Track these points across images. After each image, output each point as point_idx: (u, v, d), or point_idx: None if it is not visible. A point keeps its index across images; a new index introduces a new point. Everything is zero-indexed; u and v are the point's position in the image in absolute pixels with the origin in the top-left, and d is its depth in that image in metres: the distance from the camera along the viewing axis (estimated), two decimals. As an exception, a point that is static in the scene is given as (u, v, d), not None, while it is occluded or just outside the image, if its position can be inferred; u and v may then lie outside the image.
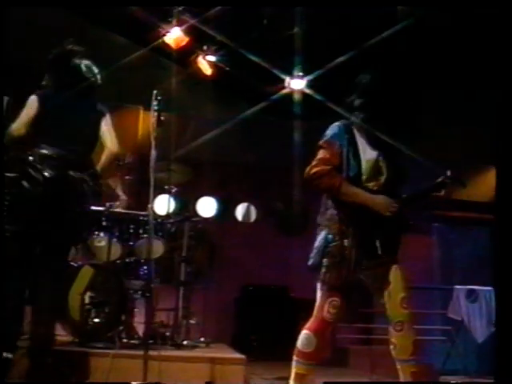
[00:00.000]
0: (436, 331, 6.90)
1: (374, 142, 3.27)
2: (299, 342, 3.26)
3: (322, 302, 3.22)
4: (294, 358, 3.28)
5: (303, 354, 3.24)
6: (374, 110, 3.26)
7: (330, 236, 3.20)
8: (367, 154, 3.25)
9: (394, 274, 3.16)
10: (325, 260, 3.19)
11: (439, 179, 3.34)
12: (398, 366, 3.12)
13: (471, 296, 6.53)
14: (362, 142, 3.27)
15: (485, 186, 7.97)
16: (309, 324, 3.27)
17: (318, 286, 3.24)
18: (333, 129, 3.31)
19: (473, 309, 6.46)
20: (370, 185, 3.23)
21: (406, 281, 3.19)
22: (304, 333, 3.25)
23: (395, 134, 3.29)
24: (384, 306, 3.15)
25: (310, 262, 3.27)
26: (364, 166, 3.23)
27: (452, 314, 6.52)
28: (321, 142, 3.28)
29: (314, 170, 3.18)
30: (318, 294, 3.25)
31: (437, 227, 8.95)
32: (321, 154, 3.24)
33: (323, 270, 3.19)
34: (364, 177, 3.22)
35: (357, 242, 3.14)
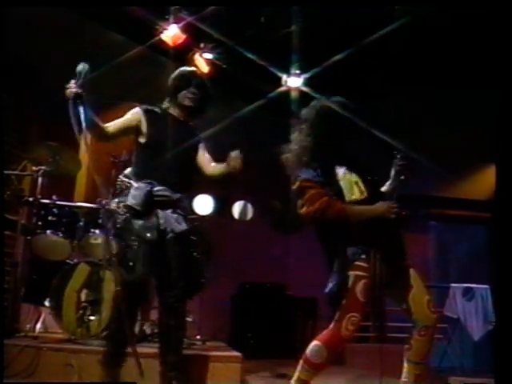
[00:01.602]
0: (432, 329, 6.89)
1: (341, 160, 3.29)
2: (308, 351, 3.16)
3: (341, 318, 3.10)
4: (301, 362, 3.19)
5: (310, 363, 3.15)
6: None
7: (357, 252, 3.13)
8: (338, 171, 3.25)
9: (414, 277, 3.14)
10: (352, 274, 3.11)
11: (397, 164, 3.30)
12: (405, 365, 3.12)
13: (467, 294, 6.53)
14: (329, 163, 3.29)
15: (481, 184, 7.98)
16: (322, 336, 3.16)
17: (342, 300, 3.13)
18: (302, 173, 3.31)
19: (469, 307, 6.46)
20: (355, 196, 3.21)
21: (424, 282, 3.19)
22: (315, 344, 3.14)
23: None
24: (409, 310, 3.10)
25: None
26: (342, 184, 3.21)
27: (448, 312, 6.52)
28: (298, 184, 3.29)
29: (314, 207, 3.13)
30: (339, 308, 3.13)
31: (433, 225, 8.96)
32: (308, 192, 3.20)
33: (350, 283, 3.10)
34: (345, 192, 3.20)
35: (381, 257, 3.07)
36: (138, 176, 3.57)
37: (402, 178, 3.30)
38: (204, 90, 3.81)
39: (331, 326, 3.16)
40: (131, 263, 3.45)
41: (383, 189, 3.37)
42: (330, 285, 3.16)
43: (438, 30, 5.91)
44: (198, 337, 5.46)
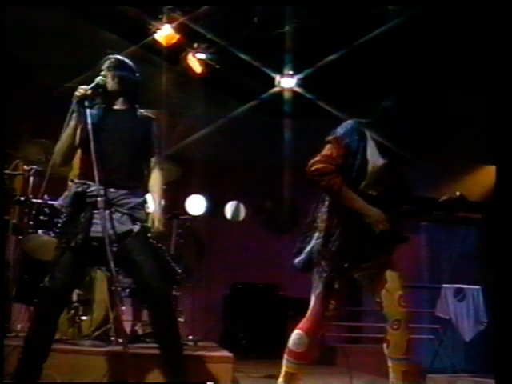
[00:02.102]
0: (424, 330, 6.93)
1: (384, 150, 3.16)
2: (291, 342, 3.23)
3: (316, 303, 3.20)
4: (285, 356, 3.26)
5: (294, 354, 3.21)
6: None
7: (321, 237, 3.14)
8: (375, 160, 3.14)
9: (391, 273, 3.13)
10: (315, 261, 3.15)
11: (445, 197, 3.28)
12: (390, 364, 3.10)
13: (459, 295, 6.56)
14: (371, 146, 3.16)
15: (474, 185, 8.01)
16: (301, 324, 3.24)
17: (313, 287, 3.21)
18: (345, 127, 3.19)
19: (460, 307, 6.49)
20: (370, 191, 3.15)
21: (403, 279, 3.17)
22: (296, 333, 3.22)
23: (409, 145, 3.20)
24: (381, 304, 3.12)
25: (298, 263, 3.24)
26: (369, 170, 3.14)
27: (440, 313, 6.55)
28: (329, 138, 3.16)
29: (317, 165, 3.08)
30: (312, 294, 3.22)
31: (425, 226, 8.98)
32: (327, 150, 3.14)
33: (315, 271, 3.16)
34: (365, 182, 3.14)
35: (346, 243, 3.08)
36: (79, 176, 3.44)
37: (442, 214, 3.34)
38: (120, 70, 3.58)
39: (308, 312, 3.22)
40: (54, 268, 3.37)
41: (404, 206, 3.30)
42: (302, 260, 3.22)
43: (433, 30, 5.91)
44: (190, 337, 5.44)
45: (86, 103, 3.37)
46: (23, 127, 6.58)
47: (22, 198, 4.88)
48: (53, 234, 4.86)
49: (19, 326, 4.72)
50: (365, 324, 7.97)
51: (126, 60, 3.64)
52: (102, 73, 3.51)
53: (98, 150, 3.29)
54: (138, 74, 3.63)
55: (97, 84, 3.43)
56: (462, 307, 6.48)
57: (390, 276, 3.13)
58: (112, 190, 3.34)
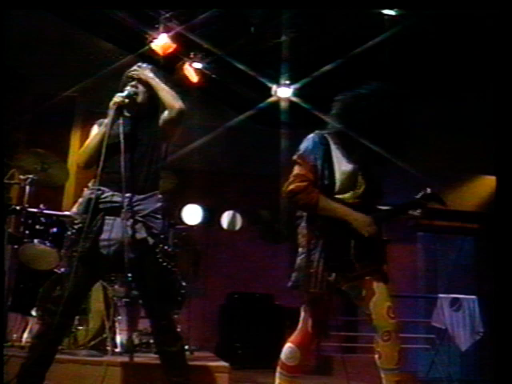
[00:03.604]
0: (420, 339, 6.92)
1: (351, 154, 3.21)
2: (283, 355, 3.25)
3: (306, 317, 3.21)
4: (278, 369, 3.27)
5: (287, 367, 3.23)
6: (353, 126, 3.20)
7: (304, 253, 3.16)
8: (342, 166, 3.19)
9: (378, 284, 3.12)
10: (299, 275, 3.17)
11: (417, 196, 3.31)
12: (382, 375, 3.10)
13: (455, 305, 6.56)
14: (337, 154, 3.21)
15: (469, 195, 8.04)
16: (293, 337, 3.25)
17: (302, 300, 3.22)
18: (307, 142, 3.24)
19: (456, 317, 6.49)
20: (346, 197, 3.17)
21: (390, 290, 3.17)
22: (288, 346, 3.24)
23: (378, 145, 3.20)
24: (370, 316, 3.11)
25: (290, 282, 3.24)
26: (338, 177, 3.17)
27: (436, 323, 6.55)
28: (295, 157, 3.22)
29: (290, 187, 3.13)
30: (302, 308, 3.24)
31: (421, 236, 9.00)
32: (296, 169, 3.19)
33: (300, 285, 3.16)
34: (337, 188, 3.17)
35: (326, 255, 3.08)
36: (94, 184, 3.39)
37: (417, 213, 3.32)
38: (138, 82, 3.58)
39: (299, 325, 3.24)
40: (64, 277, 3.37)
41: (387, 207, 3.33)
42: (294, 278, 3.22)
43: (428, 39, 5.94)
44: (186, 346, 5.42)
45: (124, 111, 3.44)
46: (19, 136, 6.58)
47: (18, 208, 4.87)
48: (49, 244, 4.85)
49: (15, 335, 4.70)
50: (360, 334, 7.96)
51: (156, 69, 3.67)
52: (133, 83, 3.52)
53: (115, 156, 3.32)
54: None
55: (129, 94, 3.45)
56: (458, 317, 6.48)
57: (378, 287, 3.12)
58: (127, 195, 3.30)
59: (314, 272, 3.08)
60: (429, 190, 3.32)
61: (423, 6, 5.26)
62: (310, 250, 3.12)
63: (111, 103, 3.42)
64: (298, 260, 3.20)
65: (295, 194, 3.12)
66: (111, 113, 3.40)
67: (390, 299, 3.13)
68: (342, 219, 3.11)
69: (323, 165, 3.17)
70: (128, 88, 3.48)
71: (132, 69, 3.59)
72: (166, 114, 3.50)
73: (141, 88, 3.52)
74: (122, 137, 3.35)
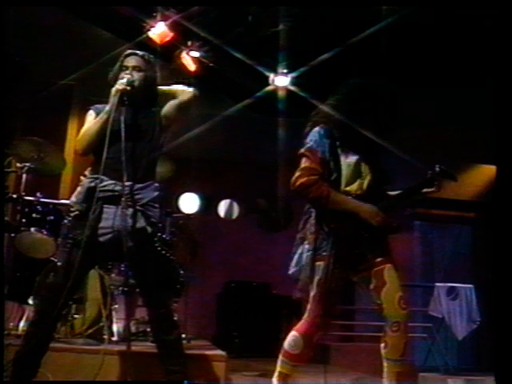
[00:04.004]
0: (417, 328, 6.93)
1: (354, 146, 3.23)
2: (286, 343, 3.26)
3: (312, 307, 3.21)
4: (280, 357, 3.28)
5: (290, 355, 3.24)
6: (354, 116, 3.21)
7: (307, 247, 3.19)
8: (348, 158, 3.22)
9: (389, 274, 3.13)
10: (312, 267, 3.16)
11: (429, 175, 3.31)
12: (385, 364, 3.12)
13: (452, 293, 6.56)
14: (341, 146, 3.23)
15: (467, 184, 8.03)
16: (298, 326, 3.26)
17: (310, 290, 3.21)
18: (313, 135, 3.23)
19: (453, 306, 6.49)
20: (353, 189, 3.20)
21: (401, 280, 3.19)
22: (292, 334, 3.25)
23: (379, 135, 3.23)
24: (380, 306, 3.12)
25: (293, 274, 3.26)
26: (345, 169, 3.20)
27: (433, 312, 6.55)
28: (303, 150, 3.22)
29: (300, 180, 3.12)
30: (310, 298, 3.22)
31: (418, 224, 9.01)
32: (304, 163, 3.19)
33: (315, 276, 3.15)
34: (344, 181, 3.19)
35: (337, 252, 3.09)
36: (92, 172, 3.39)
37: (432, 189, 3.31)
38: (146, 70, 3.55)
39: (305, 315, 3.25)
40: (59, 265, 3.35)
41: (393, 193, 3.35)
42: (293, 269, 3.25)
43: (426, 29, 5.92)
44: (183, 335, 5.44)
45: (125, 99, 3.38)
46: (16, 124, 6.56)
47: (15, 196, 4.86)
48: (46, 232, 4.85)
49: (11, 324, 4.70)
50: (357, 322, 7.99)
51: (149, 57, 3.62)
52: (128, 71, 3.47)
53: (113, 145, 3.29)
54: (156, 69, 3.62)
55: (130, 81, 3.40)
56: (455, 306, 6.48)
57: (389, 277, 3.13)
58: (127, 184, 3.28)
59: (324, 268, 3.09)
60: (437, 168, 3.30)
61: (423, 6, 5.27)
62: (319, 247, 3.13)
63: (113, 90, 3.37)
64: (305, 256, 3.20)
65: (306, 187, 3.11)
66: (114, 100, 3.35)
67: (400, 289, 3.15)
68: (352, 211, 3.12)
69: (330, 158, 3.18)
70: (125, 76, 3.44)
71: (124, 55, 3.56)
72: (178, 98, 3.51)
73: (136, 76, 3.48)
74: (123, 125, 3.33)
